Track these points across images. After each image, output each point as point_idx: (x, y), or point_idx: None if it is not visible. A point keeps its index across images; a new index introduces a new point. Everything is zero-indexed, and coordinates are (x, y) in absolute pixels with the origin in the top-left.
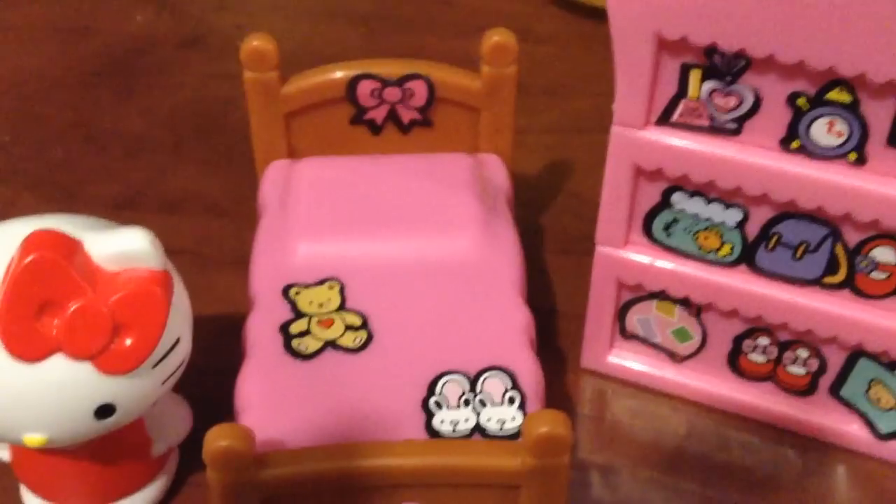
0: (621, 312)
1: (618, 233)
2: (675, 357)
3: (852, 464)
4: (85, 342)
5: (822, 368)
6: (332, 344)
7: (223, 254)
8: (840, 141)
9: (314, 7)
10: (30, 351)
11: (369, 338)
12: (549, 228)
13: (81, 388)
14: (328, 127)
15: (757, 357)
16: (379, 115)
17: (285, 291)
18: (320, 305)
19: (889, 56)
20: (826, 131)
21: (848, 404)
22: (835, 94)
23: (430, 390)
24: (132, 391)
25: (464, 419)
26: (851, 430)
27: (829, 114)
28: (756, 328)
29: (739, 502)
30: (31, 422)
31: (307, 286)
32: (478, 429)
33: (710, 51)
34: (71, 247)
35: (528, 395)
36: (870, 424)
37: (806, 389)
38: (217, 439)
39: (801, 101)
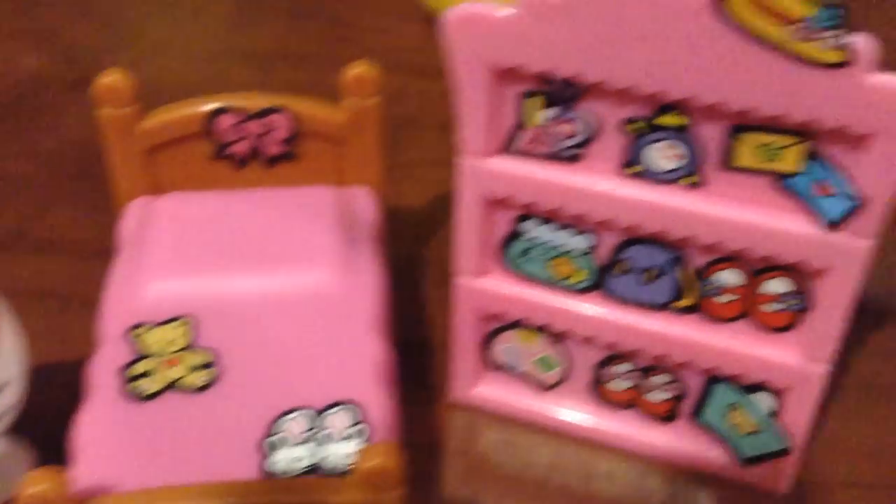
0: (486, 343)
1: (475, 263)
2: (541, 387)
3: (716, 491)
4: None
5: (682, 394)
6: (174, 384)
7: (90, 297)
8: (677, 165)
9: (211, 47)
10: None
11: (215, 377)
12: (431, 261)
13: None
14: (190, 162)
15: (619, 384)
16: (241, 149)
17: (131, 331)
18: (167, 345)
19: (714, 79)
20: (663, 155)
21: (710, 430)
22: (668, 119)
23: (272, 429)
24: None
25: (302, 457)
26: (714, 456)
27: (664, 138)
28: (616, 355)
29: None
30: None
31: (154, 326)
32: (317, 466)
33: (547, 80)
34: None
35: (375, 428)
36: (732, 450)
37: (668, 416)
38: (30, 485)
39: (636, 126)
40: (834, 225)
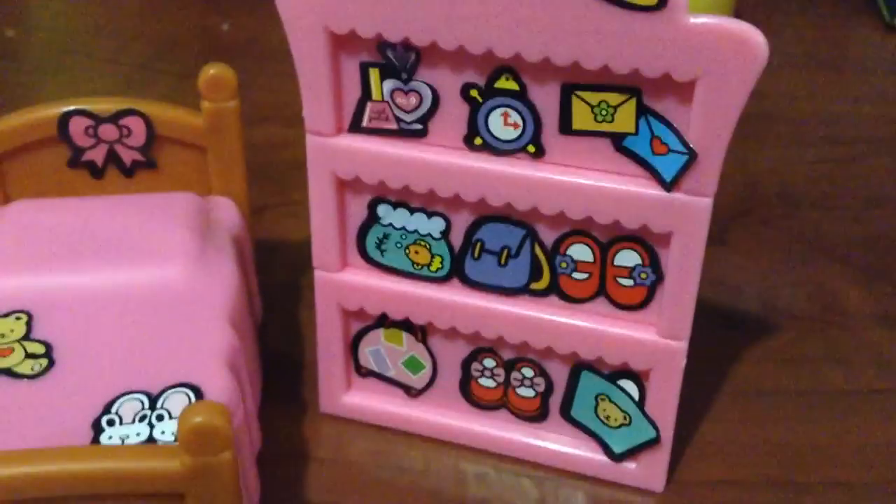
0: (353, 347)
1: (333, 254)
2: (410, 391)
3: (591, 491)
4: None
5: (550, 388)
6: (6, 371)
7: None
8: (517, 133)
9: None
10: None
11: (50, 365)
12: (308, 288)
13: None
14: (45, 170)
15: (487, 382)
16: (98, 155)
17: None
18: (2, 336)
19: (538, 32)
20: (503, 124)
21: (580, 426)
22: (503, 83)
23: (106, 410)
24: None
25: (135, 434)
26: (586, 454)
27: (501, 104)
28: (481, 349)
29: None
30: None
31: None
32: (150, 441)
33: (383, 46)
34: None
35: None
36: (604, 446)
37: (538, 414)
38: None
39: (474, 93)
40: (668, 181)
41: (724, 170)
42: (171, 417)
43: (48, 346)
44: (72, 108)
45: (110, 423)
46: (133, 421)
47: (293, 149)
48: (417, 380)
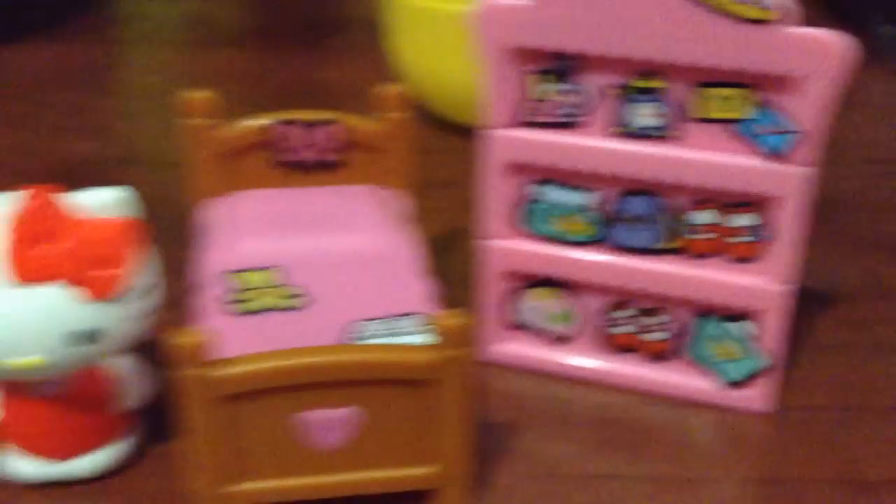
0: (509, 303)
1: (499, 226)
2: (559, 340)
3: (711, 415)
4: (76, 271)
5: (678, 332)
6: (271, 306)
7: None
8: (657, 122)
9: None
10: (32, 275)
11: (305, 303)
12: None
13: (73, 313)
14: (258, 168)
15: (622, 329)
16: (302, 155)
17: (232, 274)
18: (263, 282)
19: (685, 44)
20: (647, 114)
21: (701, 362)
22: (650, 82)
23: (354, 329)
24: (115, 320)
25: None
26: (707, 385)
27: (646, 100)
28: (621, 301)
29: (626, 448)
30: (28, 345)
31: (253, 270)
32: None
33: (549, 57)
34: (59, 196)
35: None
36: (723, 376)
37: (664, 355)
38: (184, 337)
39: (627, 91)
40: (779, 155)
41: None
42: (410, 335)
43: (299, 290)
44: (287, 118)
45: (361, 338)
46: (379, 336)
47: None
48: (566, 330)
